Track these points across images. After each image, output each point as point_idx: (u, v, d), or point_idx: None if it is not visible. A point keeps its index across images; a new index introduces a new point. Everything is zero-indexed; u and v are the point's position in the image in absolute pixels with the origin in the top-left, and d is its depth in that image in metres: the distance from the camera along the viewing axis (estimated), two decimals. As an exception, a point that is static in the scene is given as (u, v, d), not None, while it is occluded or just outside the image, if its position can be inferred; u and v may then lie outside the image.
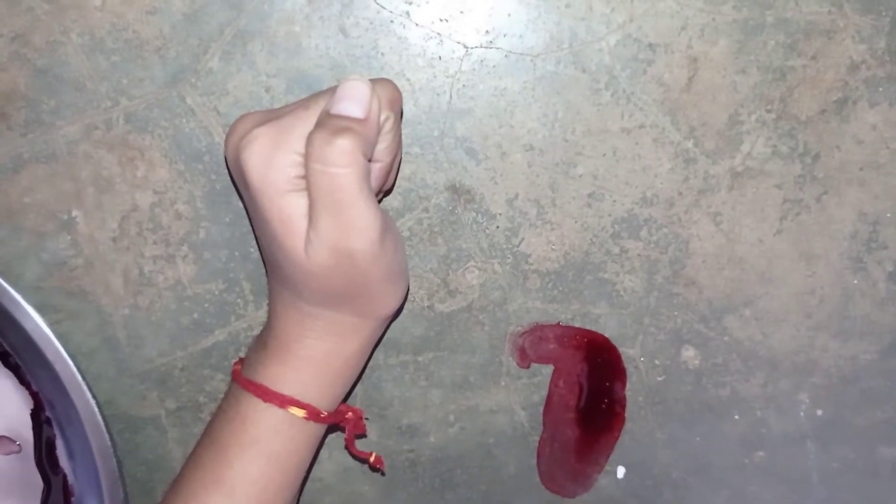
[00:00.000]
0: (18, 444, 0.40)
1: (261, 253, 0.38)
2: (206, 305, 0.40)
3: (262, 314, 0.40)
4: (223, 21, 0.37)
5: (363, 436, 0.42)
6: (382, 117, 0.31)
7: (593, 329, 0.41)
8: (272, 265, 0.34)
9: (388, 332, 0.41)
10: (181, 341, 0.41)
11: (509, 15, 0.38)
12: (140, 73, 0.38)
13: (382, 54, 0.38)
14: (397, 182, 0.39)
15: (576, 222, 0.40)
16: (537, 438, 0.43)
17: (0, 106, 0.37)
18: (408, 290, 0.38)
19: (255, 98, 0.38)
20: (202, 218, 0.39)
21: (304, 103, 0.31)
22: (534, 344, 0.41)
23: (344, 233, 0.30)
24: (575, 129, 0.39)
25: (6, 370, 0.40)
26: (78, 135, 0.38)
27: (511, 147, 0.39)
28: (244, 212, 0.39)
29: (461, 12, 0.38)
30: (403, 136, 0.39)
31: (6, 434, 0.40)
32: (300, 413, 0.34)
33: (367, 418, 0.42)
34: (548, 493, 0.44)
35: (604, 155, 0.39)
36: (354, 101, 0.30)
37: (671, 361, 0.42)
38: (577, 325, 0.41)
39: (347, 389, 0.36)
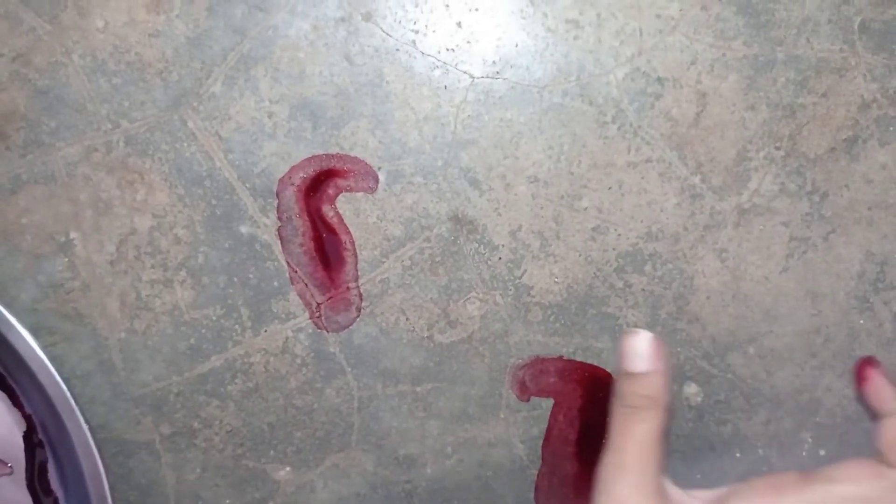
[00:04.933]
0: (10, 466, 0.40)
1: None
2: (203, 331, 0.40)
3: (259, 341, 0.40)
4: (227, 46, 0.37)
5: None
6: None
7: (595, 363, 0.41)
8: None
9: (388, 361, 0.41)
10: (177, 366, 0.40)
11: (517, 46, 0.37)
12: (141, 95, 0.37)
13: (387, 82, 0.37)
14: (399, 211, 0.39)
15: (579, 255, 0.40)
16: (536, 472, 0.42)
17: (-1, 126, 0.37)
18: None
19: (257, 124, 0.37)
20: (201, 243, 0.39)
21: None
22: (534, 377, 0.41)
23: None
24: (581, 162, 0.38)
25: (0, 392, 0.39)
26: (77, 156, 0.38)
27: (515, 178, 0.39)
28: (244, 237, 0.39)
29: (468, 42, 0.37)
30: (408, 166, 0.38)
31: (-2, 457, 0.40)
32: None
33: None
34: (545, 527, 0.43)
35: (609, 188, 0.39)
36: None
37: (673, 397, 0.42)
38: (578, 359, 0.41)
39: None
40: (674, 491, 0.32)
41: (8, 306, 0.38)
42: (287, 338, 0.40)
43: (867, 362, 0.34)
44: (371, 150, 0.38)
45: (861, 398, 0.35)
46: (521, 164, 0.38)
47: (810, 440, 0.42)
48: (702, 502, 0.32)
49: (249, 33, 0.36)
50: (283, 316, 0.40)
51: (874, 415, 0.33)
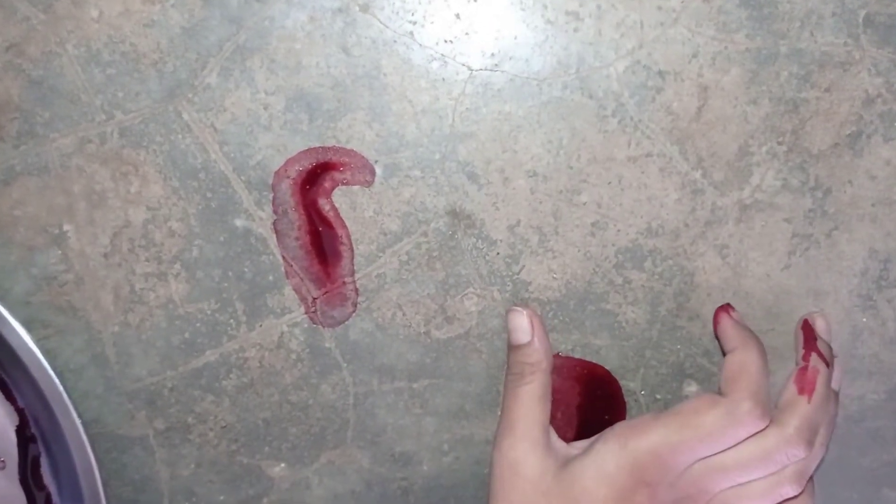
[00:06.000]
0: (3, 461, 0.40)
1: None
2: (198, 325, 0.39)
3: (254, 335, 0.40)
4: (222, 36, 0.36)
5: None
6: None
7: (594, 360, 0.40)
8: None
9: (384, 357, 0.40)
10: (171, 361, 0.40)
11: (516, 38, 0.37)
12: (136, 86, 0.37)
13: (385, 74, 0.37)
14: (396, 205, 0.38)
15: (578, 251, 0.39)
16: (533, 470, 0.42)
17: (-7, 117, 0.37)
18: None
19: (252, 115, 0.37)
20: (196, 236, 0.38)
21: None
22: (532, 374, 0.40)
23: None
24: (580, 156, 0.38)
25: (-8, 385, 0.39)
26: (71, 148, 0.37)
27: (514, 172, 0.38)
28: (239, 231, 0.38)
29: (466, 34, 0.37)
30: (405, 159, 0.38)
31: (-10, 451, 0.39)
32: None
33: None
34: (542, 526, 0.43)
35: (609, 183, 0.38)
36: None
37: (673, 395, 0.41)
38: (577, 355, 0.40)
39: None
40: (558, 442, 0.38)
41: (1, 299, 0.37)
42: (282, 333, 0.40)
43: (722, 308, 0.39)
44: (368, 143, 0.37)
45: (715, 337, 0.39)
46: (520, 157, 0.38)
47: (812, 440, 0.42)
48: (578, 449, 0.37)
49: (245, 24, 0.36)
50: (278, 311, 0.39)
51: (723, 352, 0.37)
